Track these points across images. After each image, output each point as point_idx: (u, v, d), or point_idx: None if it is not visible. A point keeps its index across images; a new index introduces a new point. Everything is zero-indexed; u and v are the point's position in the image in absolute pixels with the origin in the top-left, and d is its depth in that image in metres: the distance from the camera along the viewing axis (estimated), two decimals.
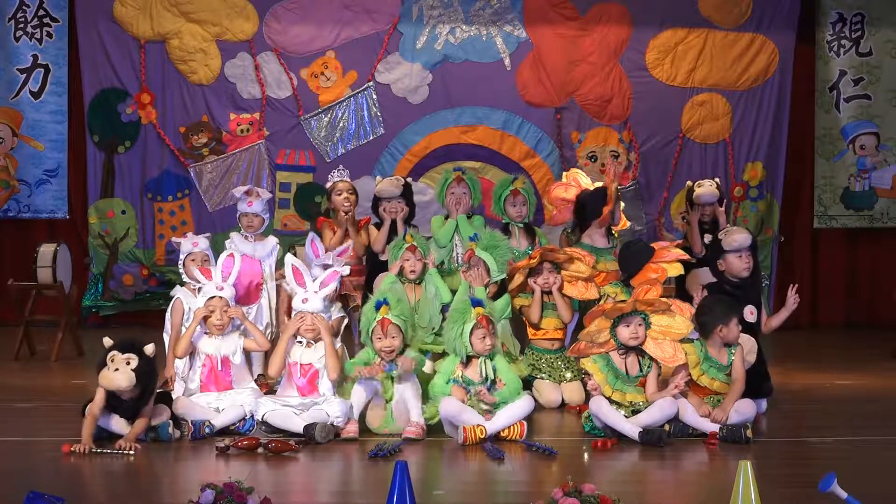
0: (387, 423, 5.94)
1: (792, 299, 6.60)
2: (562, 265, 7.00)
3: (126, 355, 5.64)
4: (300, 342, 6.20)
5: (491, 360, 6.00)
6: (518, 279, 7.00)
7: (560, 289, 6.97)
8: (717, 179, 8.27)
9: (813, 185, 11.36)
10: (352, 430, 5.88)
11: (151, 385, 5.76)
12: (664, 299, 6.11)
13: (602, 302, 6.76)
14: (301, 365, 6.13)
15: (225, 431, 5.96)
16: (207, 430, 5.87)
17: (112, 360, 5.63)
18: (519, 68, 10.96)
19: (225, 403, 6.10)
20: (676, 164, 11.08)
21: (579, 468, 5.35)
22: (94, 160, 10.88)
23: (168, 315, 6.98)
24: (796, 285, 6.69)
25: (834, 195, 11.33)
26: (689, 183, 8.34)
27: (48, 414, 6.67)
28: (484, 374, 5.95)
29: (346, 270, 6.69)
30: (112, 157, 10.87)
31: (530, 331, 7.10)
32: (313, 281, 6.30)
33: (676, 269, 6.88)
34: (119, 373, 5.59)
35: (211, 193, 10.85)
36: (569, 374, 6.93)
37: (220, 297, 6.30)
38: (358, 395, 5.99)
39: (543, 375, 6.94)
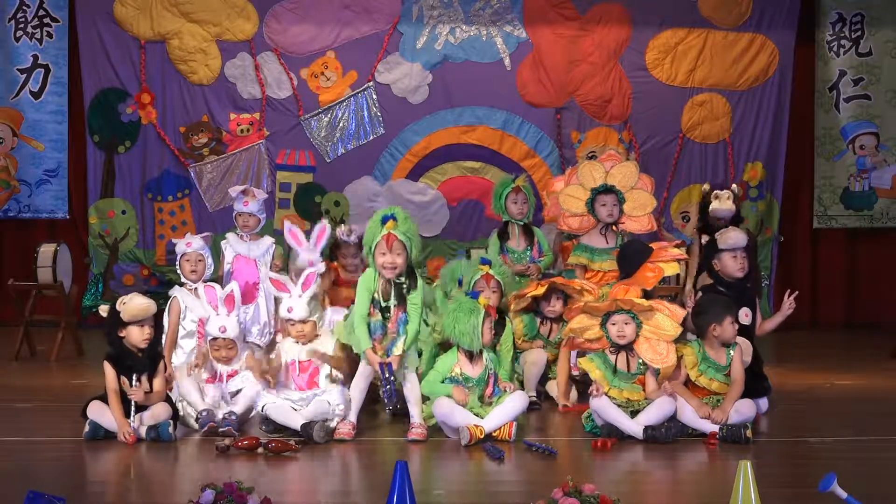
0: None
1: (787, 305, 6.61)
2: (570, 295, 7.00)
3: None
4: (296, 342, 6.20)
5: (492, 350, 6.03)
6: (523, 303, 7.00)
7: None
8: (734, 188, 8.04)
9: (813, 185, 11.36)
10: (344, 431, 5.85)
11: (160, 326, 6.07)
12: (645, 301, 6.07)
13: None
14: (300, 362, 6.12)
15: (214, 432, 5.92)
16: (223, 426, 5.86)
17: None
18: (519, 68, 10.96)
19: (232, 387, 6.16)
20: (676, 164, 11.08)
21: (579, 468, 5.35)
22: (94, 160, 10.88)
23: (165, 315, 6.97)
24: (795, 292, 6.69)
25: (834, 195, 11.33)
26: (705, 186, 8.09)
27: (48, 414, 6.67)
28: (488, 365, 5.94)
29: (322, 268, 6.62)
30: (112, 157, 10.87)
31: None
32: (295, 285, 6.26)
33: (673, 269, 6.87)
34: (139, 297, 5.91)
35: (211, 193, 10.85)
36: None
37: (225, 339, 6.27)
38: (357, 387, 5.97)
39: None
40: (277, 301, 7.31)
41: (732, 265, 6.63)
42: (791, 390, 7.42)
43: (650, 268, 6.73)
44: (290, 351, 6.18)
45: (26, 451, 5.65)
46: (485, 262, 6.85)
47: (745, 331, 6.45)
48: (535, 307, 7.10)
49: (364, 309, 5.90)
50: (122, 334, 5.87)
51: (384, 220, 5.84)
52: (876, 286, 11.43)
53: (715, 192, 7.95)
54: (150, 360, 5.89)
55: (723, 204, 7.88)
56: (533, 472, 5.31)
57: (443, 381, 5.94)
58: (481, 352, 5.95)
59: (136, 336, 5.85)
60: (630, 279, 6.62)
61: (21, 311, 8.98)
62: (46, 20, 10.81)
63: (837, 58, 11.21)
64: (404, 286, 5.89)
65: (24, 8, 10.77)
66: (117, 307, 5.87)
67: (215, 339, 6.27)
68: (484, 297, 6.06)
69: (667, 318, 6.00)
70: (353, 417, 5.94)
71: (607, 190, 7.35)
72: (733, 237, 6.67)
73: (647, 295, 6.48)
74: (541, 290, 6.93)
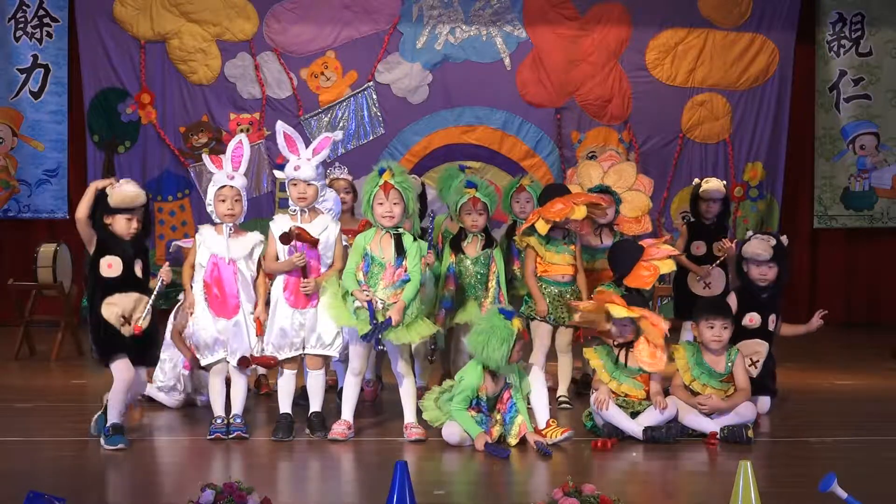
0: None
1: (816, 324, 6.76)
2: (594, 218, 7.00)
3: None
4: (293, 212, 5.95)
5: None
6: (550, 223, 6.67)
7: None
8: (724, 182, 8.04)
9: (813, 185, 11.37)
10: (338, 431, 5.83)
11: (148, 221, 5.79)
12: (630, 310, 6.05)
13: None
14: (304, 232, 5.81)
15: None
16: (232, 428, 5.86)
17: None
18: (519, 68, 10.97)
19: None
20: (676, 164, 11.09)
21: (579, 468, 5.35)
22: (94, 160, 10.88)
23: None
24: (825, 312, 6.81)
25: (834, 195, 11.34)
26: (696, 180, 8.04)
27: (48, 414, 6.67)
28: (510, 380, 5.82)
29: (339, 135, 6.20)
30: (112, 157, 10.87)
31: (539, 267, 6.84)
32: (306, 148, 5.95)
33: (668, 266, 6.84)
34: (131, 184, 5.66)
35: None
36: (567, 318, 6.75)
37: (231, 187, 5.93)
38: (350, 387, 5.93)
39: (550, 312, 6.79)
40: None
41: (756, 273, 6.63)
42: (791, 390, 7.42)
43: (645, 266, 6.71)
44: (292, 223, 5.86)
45: (26, 451, 5.65)
46: (471, 185, 6.73)
47: (764, 333, 6.54)
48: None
49: (353, 265, 5.80)
50: (108, 221, 5.61)
51: (381, 172, 5.88)
52: (876, 286, 11.45)
53: (705, 178, 8.03)
54: (137, 247, 5.72)
55: (713, 185, 7.84)
56: (533, 472, 5.31)
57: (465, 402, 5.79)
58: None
59: (122, 227, 5.61)
60: (626, 280, 6.60)
61: (21, 311, 8.97)
62: (46, 20, 10.81)
63: (837, 58, 11.22)
64: (402, 236, 5.85)
65: (24, 8, 10.77)
66: (107, 191, 5.59)
67: (222, 187, 5.92)
68: (518, 319, 5.79)
69: (650, 326, 5.97)
70: (348, 417, 5.90)
71: (602, 191, 7.33)
72: (753, 246, 6.64)
73: (643, 294, 6.53)
74: (581, 214, 6.66)
